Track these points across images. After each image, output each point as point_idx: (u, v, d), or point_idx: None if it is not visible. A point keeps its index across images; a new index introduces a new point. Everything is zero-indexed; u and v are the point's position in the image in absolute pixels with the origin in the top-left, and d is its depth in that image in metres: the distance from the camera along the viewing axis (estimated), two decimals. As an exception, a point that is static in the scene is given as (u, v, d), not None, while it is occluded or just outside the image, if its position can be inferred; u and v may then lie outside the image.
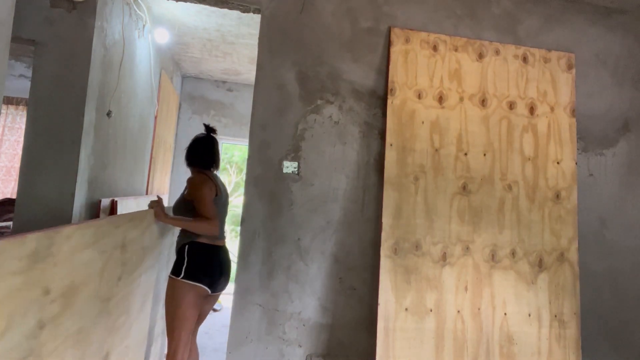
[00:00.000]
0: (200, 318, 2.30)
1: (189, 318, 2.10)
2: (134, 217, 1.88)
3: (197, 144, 2.29)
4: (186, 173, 2.41)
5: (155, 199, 2.19)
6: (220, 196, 2.24)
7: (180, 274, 2.10)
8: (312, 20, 2.57)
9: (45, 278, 1.20)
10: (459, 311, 2.44)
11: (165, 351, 2.23)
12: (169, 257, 2.59)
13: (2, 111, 4.89)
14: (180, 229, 2.24)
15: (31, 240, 1.11)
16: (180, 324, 2.09)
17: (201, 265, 2.13)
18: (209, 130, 2.34)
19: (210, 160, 2.28)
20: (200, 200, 2.10)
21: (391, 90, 2.53)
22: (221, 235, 2.25)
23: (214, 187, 2.19)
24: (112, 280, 1.66)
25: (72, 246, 1.33)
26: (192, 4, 2.79)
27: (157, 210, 2.12)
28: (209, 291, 2.16)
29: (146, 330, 2.29)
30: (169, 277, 2.16)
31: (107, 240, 1.60)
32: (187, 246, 2.15)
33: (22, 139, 4.28)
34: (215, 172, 2.34)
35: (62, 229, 1.27)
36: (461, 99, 2.60)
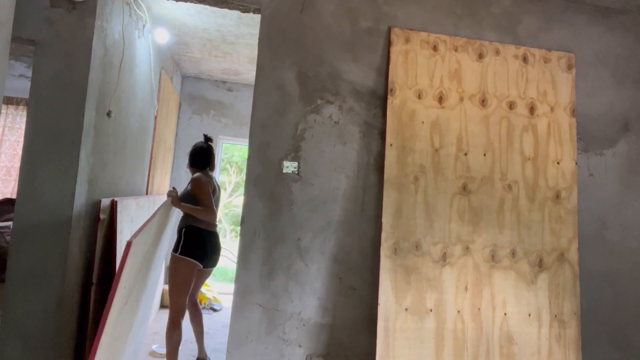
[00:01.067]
0: (196, 287, 2.93)
1: (184, 286, 2.70)
2: (166, 203, 2.66)
3: (197, 151, 2.94)
4: (186, 173, 3.00)
5: (172, 189, 2.79)
6: (214, 192, 2.86)
7: (178, 250, 2.71)
8: (312, 20, 2.57)
9: (147, 243, 2.08)
10: (459, 311, 2.44)
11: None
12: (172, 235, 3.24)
13: (2, 111, 4.89)
14: (182, 214, 2.82)
15: (156, 220, 2.26)
16: (177, 291, 2.70)
17: (194, 244, 2.73)
18: (207, 139, 3.01)
19: (206, 164, 2.92)
20: (203, 195, 2.70)
21: (391, 90, 2.53)
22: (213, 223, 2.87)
23: (211, 185, 2.81)
24: (155, 246, 2.38)
25: (158, 225, 2.32)
26: (192, 4, 2.79)
27: (174, 198, 2.71)
28: (201, 266, 2.77)
29: (156, 282, 2.95)
30: (171, 253, 2.75)
31: (160, 220, 2.41)
32: (184, 229, 2.75)
33: (22, 139, 4.28)
34: (210, 172, 2.96)
35: (154, 217, 2.26)
36: (461, 99, 2.60)
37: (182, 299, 2.70)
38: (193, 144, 3.15)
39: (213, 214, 2.70)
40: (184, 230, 2.74)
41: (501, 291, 2.50)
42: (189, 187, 2.79)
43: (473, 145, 2.58)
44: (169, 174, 5.04)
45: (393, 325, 2.35)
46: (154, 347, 3.44)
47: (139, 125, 3.37)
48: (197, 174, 2.81)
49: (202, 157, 2.90)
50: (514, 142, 2.63)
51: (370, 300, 2.48)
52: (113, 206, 2.66)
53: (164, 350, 2.98)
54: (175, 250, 2.73)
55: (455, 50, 2.63)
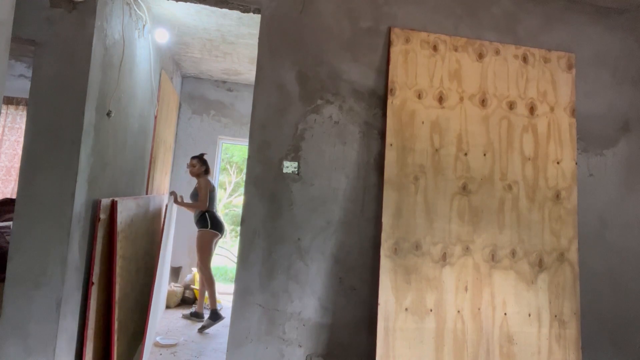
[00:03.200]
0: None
1: (210, 253, 4.15)
2: (170, 201, 3.72)
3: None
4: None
5: (172, 190, 4.29)
6: (213, 189, 4.28)
7: (208, 227, 4.10)
8: (312, 20, 2.57)
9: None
10: (459, 311, 2.44)
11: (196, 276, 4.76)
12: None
13: (2, 111, 4.89)
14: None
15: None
16: (206, 257, 4.12)
17: (215, 222, 4.16)
18: (202, 155, 4.39)
19: (206, 171, 4.32)
20: (200, 192, 4.12)
21: (391, 90, 2.53)
22: (215, 208, 4.28)
23: (209, 185, 4.22)
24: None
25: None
26: (192, 4, 2.79)
27: (175, 197, 3.99)
28: (220, 235, 4.20)
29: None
30: (200, 230, 4.12)
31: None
32: (206, 213, 4.14)
33: (22, 139, 4.28)
34: (209, 177, 4.31)
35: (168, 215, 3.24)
36: (461, 99, 2.60)
37: (209, 264, 4.13)
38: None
39: (203, 205, 4.10)
40: (207, 214, 4.14)
41: (501, 291, 2.50)
42: (196, 187, 4.23)
43: (473, 145, 2.58)
44: (169, 174, 5.04)
45: (393, 325, 2.35)
46: (157, 338, 3.52)
47: (139, 125, 3.37)
48: (200, 179, 4.19)
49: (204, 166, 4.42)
50: (514, 142, 2.63)
51: (370, 300, 2.48)
52: (113, 206, 2.66)
53: (166, 342, 3.58)
54: (204, 227, 4.10)
55: (455, 50, 2.63)
